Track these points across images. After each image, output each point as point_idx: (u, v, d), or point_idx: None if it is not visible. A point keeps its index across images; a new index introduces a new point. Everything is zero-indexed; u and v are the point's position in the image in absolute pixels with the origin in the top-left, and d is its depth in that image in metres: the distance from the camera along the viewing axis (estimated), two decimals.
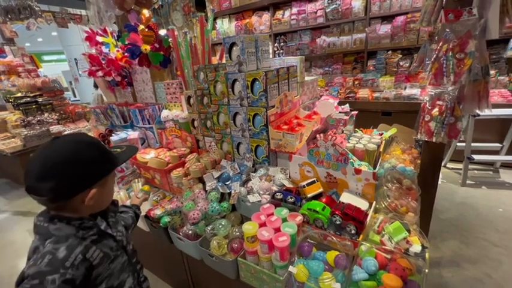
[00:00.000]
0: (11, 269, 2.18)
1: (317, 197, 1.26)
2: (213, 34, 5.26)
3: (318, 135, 1.25)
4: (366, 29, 3.83)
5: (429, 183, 1.87)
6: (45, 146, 0.79)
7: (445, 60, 1.62)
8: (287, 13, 4.43)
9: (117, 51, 2.15)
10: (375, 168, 1.62)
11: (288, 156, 1.52)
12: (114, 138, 2.03)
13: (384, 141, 1.85)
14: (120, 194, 1.75)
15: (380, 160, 1.73)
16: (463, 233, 2.19)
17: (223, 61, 1.80)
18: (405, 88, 3.58)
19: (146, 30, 2.04)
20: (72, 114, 4.28)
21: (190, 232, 1.33)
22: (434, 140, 1.65)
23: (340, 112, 1.77)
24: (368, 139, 1.69)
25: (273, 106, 1.50)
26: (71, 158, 0.77)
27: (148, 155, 1.91)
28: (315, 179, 1.30)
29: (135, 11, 2.32)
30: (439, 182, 1.99)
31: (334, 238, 1.06)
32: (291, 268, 1.00)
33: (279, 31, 4.57)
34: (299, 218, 1.15)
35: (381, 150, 1.76)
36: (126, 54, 2.08)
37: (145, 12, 2.01)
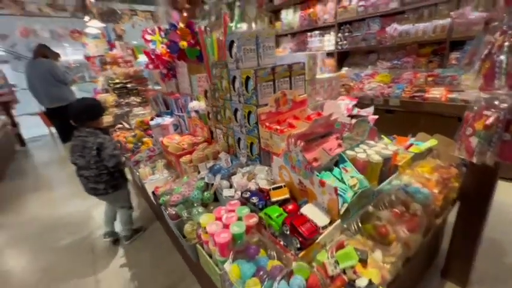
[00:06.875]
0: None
1: (285, 202, 1.21)
2: (278, 26, 5.27)
3: (291, 139, 1.17)
4: (452, 13, 3.09)
5: (474, 215, 1.52)
6: (79, 100, 2.07)
7: (499, 57, 1.25)
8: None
9: (162, 47, 2.48)
10: (379, 184, 1.40)
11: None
12: (152, 122, 2.40)
13: (402, 154, 1.56)
14: (145, 170, 2.08)
15: (396, 175, 1.49)
16: None
17: None
18: None
19: (183, 28, 2.27)
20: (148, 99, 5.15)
21: (173, 212, 1.50)
22: (474, 160, 1.32)
23: (351, 115, 1.56)
24: (378, 149, 1.45)
25: (266, 104, 1.47)
26: (91, 104, 2.04)
27: (173, 141, 2.18)
28: (283, 184, 1.24)
29: (186, 9, 2.60)
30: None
31: (278, 247, 1.02)
32: (226, 265, 1.03)
33: (345, 20, 4.18)
34: (253, 220, 1.14)
35: (400, 164, 1.50)
36: (167, 50, 2.38)
37: (184, 12, 2.23)
